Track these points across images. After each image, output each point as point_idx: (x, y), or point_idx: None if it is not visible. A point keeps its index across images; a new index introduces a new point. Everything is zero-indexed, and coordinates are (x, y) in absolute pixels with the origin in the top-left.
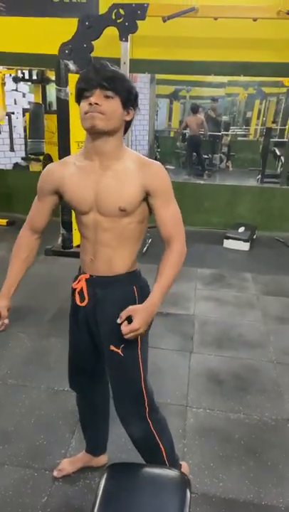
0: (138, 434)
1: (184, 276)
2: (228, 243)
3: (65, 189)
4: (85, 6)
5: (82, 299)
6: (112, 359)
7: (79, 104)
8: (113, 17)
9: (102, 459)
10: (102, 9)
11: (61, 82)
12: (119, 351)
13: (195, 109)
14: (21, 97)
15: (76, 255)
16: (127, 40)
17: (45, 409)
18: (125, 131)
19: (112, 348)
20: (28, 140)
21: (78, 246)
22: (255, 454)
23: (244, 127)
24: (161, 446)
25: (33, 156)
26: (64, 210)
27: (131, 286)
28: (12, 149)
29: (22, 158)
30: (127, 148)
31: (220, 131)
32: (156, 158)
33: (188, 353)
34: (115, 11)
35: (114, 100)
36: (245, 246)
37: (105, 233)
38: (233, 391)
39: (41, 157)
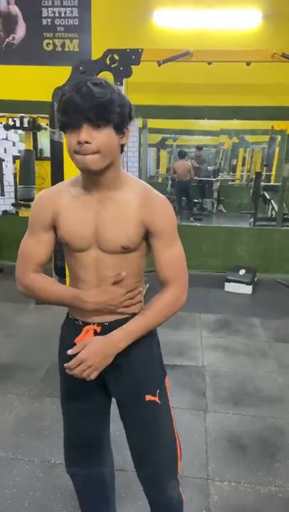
0: (175, 494)
1: (187, 323)
2: (229, 286)
3: (60, 222)
4: (78, 55)
5: None
6: (146, 412)
7: (64, 133)
8: (107, 62)
9: None
10: (95, 58)
11: (55, 124)
12: (156, 399)
13: (182, 155)
14: (11, 145)
15: None
16: (122, 85)
17: (41, 488)
18: (121, 151)
19: (149, 397)
20: (19, 186)
21: None
22: None
23: (231, 173)
24: None
25: (23, 202)
26: (57, 255)
27: None
28: (2, 193)
29: (12, 205)
30: (128, 175)
31: (208, 177)
32: None
33: (202, 411)
34: (109, 56)
35: (106, 129)
36: (247, 289)
37: (110, 270)
38: (259, 458)
39: (31, 203)
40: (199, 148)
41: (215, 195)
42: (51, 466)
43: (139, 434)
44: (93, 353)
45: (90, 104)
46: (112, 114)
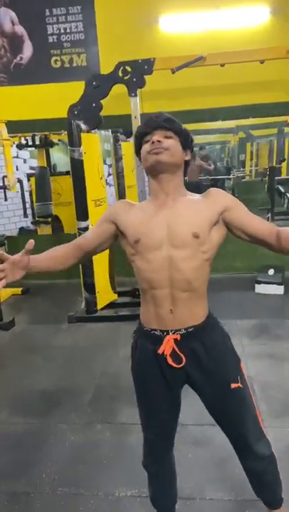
0: (267, 452)
1: None
2: (260, 288)
3: (128, 223)
4: (87, 69)
5: (178, 361)
6: (234, 398)
7: (138, 153)
8: (120, 74)
9: None
10: (104, 71)
11: (74, 142)
12: (240, 385)
13: None
14: (22, 163)
15: (102, 319)
16: (136, 95)
17: None
18: (184, 173)
19: (234, 385)
20: (36, 204)
21: (103, 309)
22: None
23: (241, 169)
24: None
25: (42, 219)
26: (85, 272)
27: (219, 324)
28: (25, 215)
29: (31, 223)
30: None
31: (222, 176)
32: None
33: None
34: (122, 68)
35: (174, 139)
36: (279, 290)
37: (181, 274)
38: None
39: (49, 219)
40: (202, 147)
41: (229, 192)
42: (117, 500)
43: (228, 417)
44: None
45: (162, 119)
46: (178, 129)
